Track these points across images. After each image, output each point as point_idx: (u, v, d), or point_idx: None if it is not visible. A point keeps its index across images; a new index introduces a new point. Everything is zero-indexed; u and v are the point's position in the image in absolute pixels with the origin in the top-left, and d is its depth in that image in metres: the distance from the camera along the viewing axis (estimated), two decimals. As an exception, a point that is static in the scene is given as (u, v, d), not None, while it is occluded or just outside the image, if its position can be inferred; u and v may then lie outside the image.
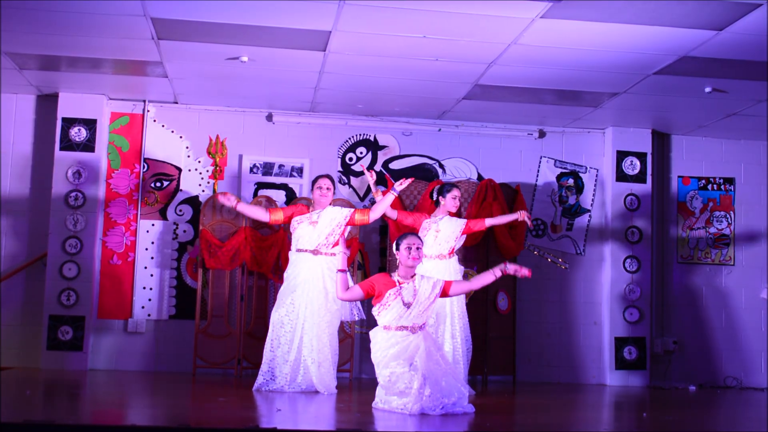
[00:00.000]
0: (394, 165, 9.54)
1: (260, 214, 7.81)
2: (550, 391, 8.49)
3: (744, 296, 9.83)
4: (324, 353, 7.49)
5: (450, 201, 7.96)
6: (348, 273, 6.68)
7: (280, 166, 9.37)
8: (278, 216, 7.79)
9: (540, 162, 9.69)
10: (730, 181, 9.93)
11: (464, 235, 8.02)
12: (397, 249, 6.48)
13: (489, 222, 8.11)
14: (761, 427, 6.20)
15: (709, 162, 9.95)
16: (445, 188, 8.02)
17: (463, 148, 9.64)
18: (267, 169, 9.33)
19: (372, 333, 6.55)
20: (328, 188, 7.77)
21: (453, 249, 7.86)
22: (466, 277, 8.86)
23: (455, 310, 7.72)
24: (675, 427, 6.34)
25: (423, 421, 6.07)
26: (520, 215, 8.05)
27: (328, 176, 7.87)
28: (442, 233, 7.82)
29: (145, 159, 9.19)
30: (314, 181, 7.83)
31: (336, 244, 7.50)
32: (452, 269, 7.76)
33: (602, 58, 7.37)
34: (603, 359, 9.46)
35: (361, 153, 9.51)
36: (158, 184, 9.19)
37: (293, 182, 9.36)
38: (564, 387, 8.95)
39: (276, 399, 6.95)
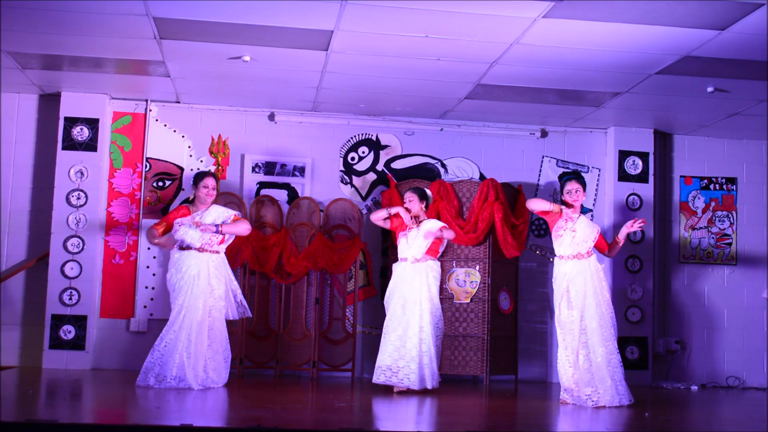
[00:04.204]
0: (396, 164, 9.55)
1: (163, 240, 7.74)
2: (551, 391, 8.49)
3: (746, 296, 9.83)
4: (200, 348, 7.50)
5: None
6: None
7: (282, 165, 9.38)
8: (162, 228, 7.69)
9: (542, 162, 9.70)
10: (732, 180, 9.93)
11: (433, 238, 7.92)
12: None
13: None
14: (762, 427, 6.20)
15: (712, 162, 9.95)
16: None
17: (465, 148, 9.64)
18: (269, 168, 9.34)
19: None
20: (213, 188, 7.78)
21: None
22: (467, 277, 8.87)
23: (423, 296, 7.71)
24: (677, 427, 6.35)
25: (425, 420, 6.08)
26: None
27: (213, 175, 7.84)
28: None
29: (147, 158, 9.20)
30: (199, 179, 7.73)
31: (222, 242, 7.70)
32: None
33: (604, 57, 7.38)
34: (605, 359, 9.45)
35: (363, 152, 9.52)
36: (160, 184, 9.20)
37: (295, 182, 9.36)
38: (566, 386, 8.94)
39: (277, 398, 6.95)
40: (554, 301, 7.37)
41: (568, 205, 7.47)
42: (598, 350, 7.09)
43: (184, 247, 7.63)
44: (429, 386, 7.62)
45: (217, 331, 7.59)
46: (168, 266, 7.79)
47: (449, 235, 7.90)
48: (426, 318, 7.69)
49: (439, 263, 8.00)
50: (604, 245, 7.60)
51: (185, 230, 7.57)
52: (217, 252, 7.68)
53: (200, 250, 7.62)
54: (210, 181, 7.73)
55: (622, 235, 7.57)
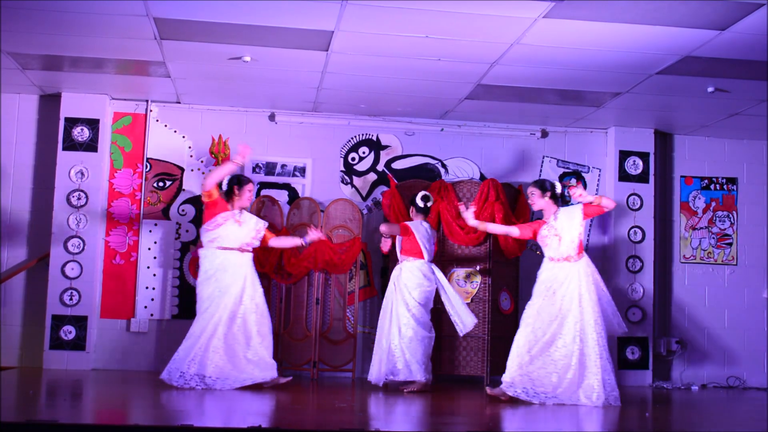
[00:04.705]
0: (397, 165, 9.55)
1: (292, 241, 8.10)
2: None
3: (746, 296, 9.83)
4: (239, 348, 7.58)
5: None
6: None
7: (283, 165, 9.38)
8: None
9: (542, 162, 9.70)
10: (732, 180, 9.93)
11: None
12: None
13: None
14: (762, 427, 6.20)
15: (712, 162, 9.94)
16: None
17: (465, 148, 9.64)
18: (269, 169, 9.34)
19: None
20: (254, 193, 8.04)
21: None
22: (468, 277, 8.87)
23: (397, 296, 7.93)
24: (677, 427, 6.35)
25: (425, 421, 6.08)
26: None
27: (252, 181, 7.95)
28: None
29: (147, 159, 9.20)
30: (244, 183, 7.77)
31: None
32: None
33: (605, 57, 7.37)
34: (605, 359, 9.44)
35: (364, 153, 9.52)
36: (161, 184, 9.20)
37: (296, 182, 9.36)
38: (566, 387, 8.93)
39: (277, 398, 6.95)
40: (533, 292, 7.36)
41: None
42: (575, 352, 7.01)
43: (224, 246, 7.63)
44: (383, 380, 7.91)
45: (263, 327, 7.67)
46: (203, 266, 7.66)
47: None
48: (395, 319, 7.92)
49: (415, 261, 8.01)
50: (597, 209, 7.36)
51: (230, 226, 7.66)
52: (251, 252, 7.78)
53: (241, 250, 7.69)
54: (252, 186, 7.90)
55: (584, 199, 7.28)
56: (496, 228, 7.89)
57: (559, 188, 7.50)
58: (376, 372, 7.97)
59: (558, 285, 7.21)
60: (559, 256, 7.30)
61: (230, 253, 7.64)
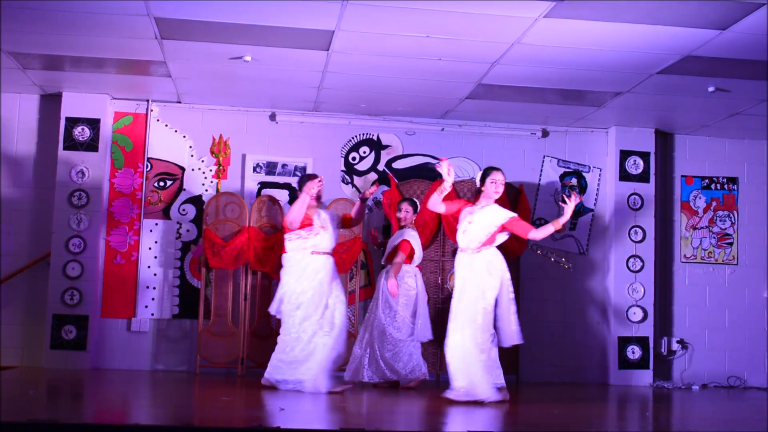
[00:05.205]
0: (397, 164, 9.55)
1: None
2: (553, 391, 8.48)
3: (747, 296, 9.82)
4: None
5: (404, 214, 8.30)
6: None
7: (284, 165, 9.38)
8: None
9: (543, 161, 9.69)
10: (733, 180, 9.92)
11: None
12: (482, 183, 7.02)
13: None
14: (762, 427, 6.20)
15: (713, 161, 9.94)
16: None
17: (466, 148, 9.64)
18: (270, 168, 9.34)
19: None
20: None
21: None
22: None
23: (385, 300, 8.09)
24: (677, 427, 6.35)
25: (425, 420, 6.08)
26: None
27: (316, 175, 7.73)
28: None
29: (148, 158, 9.20)
30: (308, 180, 7.51)
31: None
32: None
33: (605, 57, 7.37)
34: (607, 359, 9.46)
35: (365, 152, 9.52)
36: (161, 184, 9.20)
37: (297, 182, 9.35)
38: (567, 386, 8.94)
39: (279, 398, 6.95)
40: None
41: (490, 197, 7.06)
42: (464, 344, 6.84)
43: (318, 251, 7.45)
44: (361, 379, 8.03)
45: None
46: (300, 274, 7.40)
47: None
48: (374, 321, 8.07)
49: (393, 266, 8.04)
50: (523, 229, 6.98)
51: (324, 234, 7.52)
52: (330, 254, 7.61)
53: (330, 254, 7.54)
54: (316, 181, 7.55)
55: (562, 222, 6.92)
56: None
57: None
58: (351, 370, 7.97)
59: (458, 274, 6.97)
60: (461, 245, 7.00)
61: (326, 258, 7.47)
